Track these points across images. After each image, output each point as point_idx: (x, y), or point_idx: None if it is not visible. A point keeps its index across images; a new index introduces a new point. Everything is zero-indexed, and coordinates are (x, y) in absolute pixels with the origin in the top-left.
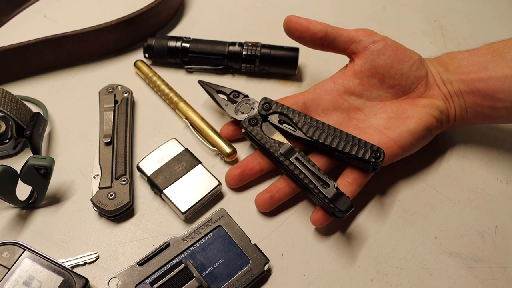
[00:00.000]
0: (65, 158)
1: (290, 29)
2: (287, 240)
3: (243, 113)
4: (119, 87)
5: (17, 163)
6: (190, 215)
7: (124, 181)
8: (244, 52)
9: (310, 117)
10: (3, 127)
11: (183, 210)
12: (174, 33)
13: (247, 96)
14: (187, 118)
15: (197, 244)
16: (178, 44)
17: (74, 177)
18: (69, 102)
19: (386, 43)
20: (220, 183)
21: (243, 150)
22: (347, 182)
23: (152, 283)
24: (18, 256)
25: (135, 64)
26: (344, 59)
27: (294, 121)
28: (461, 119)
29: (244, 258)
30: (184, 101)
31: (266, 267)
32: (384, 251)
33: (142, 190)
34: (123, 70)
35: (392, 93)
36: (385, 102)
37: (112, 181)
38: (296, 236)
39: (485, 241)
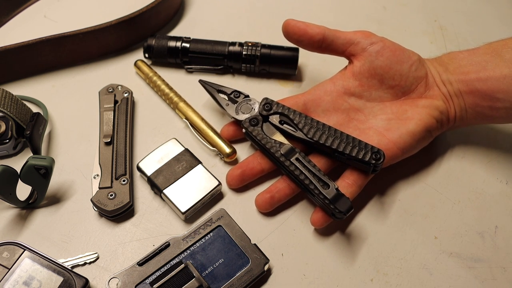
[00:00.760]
0: (65, 158)
1: (289, 33)
2: (287, 240)
3: (243, 113)
4: (119, 87)
5: (17, 163)
6: (190, 215)
7: (124, 181)
8: (244, 52)
9: (310, 118)
10: (3, 127)
11: (183, 210)
12: (174, 33)
13: (248, 96)
14: (187, 118)
15: (197, 244)
16: (178, 44)
17: (74, 177)
18: (69, 102)
19: (385, 44)
20: (220, 183)
21: (244, 151)
22: (347, 184)
23: (152, 283)
24: (18, 256)
25: (135, 64)
26: (343, 59)
27: (294, 122)
28: (461, 120)
29: (244, 258)
30: (184, 101)
31: (266, 267)
32: (384, 251)
33: (142, 190)
34: (123, 70)
35: (392, 94)
36: (385, 103)
37: (112, 181)
38: (296, 236)
39: (485, 241)
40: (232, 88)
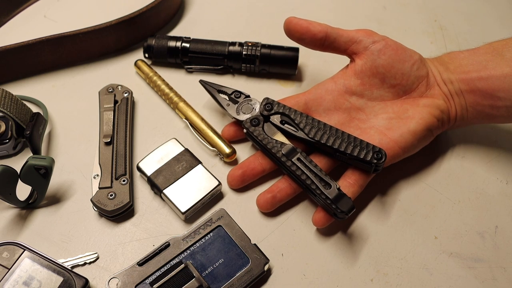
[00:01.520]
0: (65, 158)
1: (290, 31)
2: (287, 240)
3: (244, 113)
4: (119, 87)
5: (17, 163)
6: (190, 215)
7: (124, 181)
8: (244, 52)
9: (312, 118)
10: (3, 127)
11: (183, 210)
12: (174, 33)
13: (248, 96)
14: (187, 118)
15: (197, 244)
16: (178, 44)
17: (74, 177)
18: (69, 102)
19: (387, 43)
20: (220, 183)
21: (244, 151)
22: (349, 183)
23: (152, 283)
24: (18, 256)
25: (135, 64)
26: (344, 59)
27: (296, 121)
28: (461, 119)
29: (244, 258)
30: (184, 101)
31: (266, 267)
32: (384, 251)
33: (142, 190)
34: (123, 70)
35: (393, 93)
36: (386, 102)
37: (112, 181)
38: (296, 236)
39: (485, 241)
40: (233, 88)
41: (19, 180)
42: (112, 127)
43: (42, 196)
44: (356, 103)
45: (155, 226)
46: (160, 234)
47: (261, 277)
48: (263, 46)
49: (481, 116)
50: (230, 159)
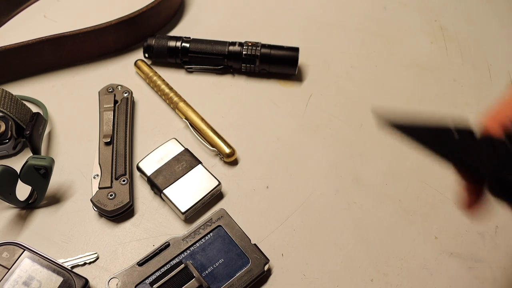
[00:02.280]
0: (65, 158)
1: None
2: (287, 240)
3: None
4: (119, 87)
5: (17, 163)
6: (190, 215)
7: (124, 181)
8: (244, 52)
9: None
10: (3, 127)
11: (183, 210)
12: (174, 33)
13: None
14: (187, 118)
15: (197, 244)
16: (178, 44)
17: (74, 177)
18: (69, 102)
19: None
20: (220, 183)
21: (245, 151)
22: None
23: (152, 283)
24: (18, 256)
25: (135, 64)
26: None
27: None
28: None
29: (244, 258)
30: (184, 101)
31: (266, 267)
32: (384, 251)
33: (142, 190)
34: (123, 70)
35: None
36: None
37: (112, 181)
38: (296, 236)
39: (485, 241)
40: None
41: (19, 180)
42: (112, 127)
43: (42, 196)
44: None
45: (155, 226)
46: (160, 234)
47: (261, 277)
48: (263, 46)
49: None
50: (230, 159)
